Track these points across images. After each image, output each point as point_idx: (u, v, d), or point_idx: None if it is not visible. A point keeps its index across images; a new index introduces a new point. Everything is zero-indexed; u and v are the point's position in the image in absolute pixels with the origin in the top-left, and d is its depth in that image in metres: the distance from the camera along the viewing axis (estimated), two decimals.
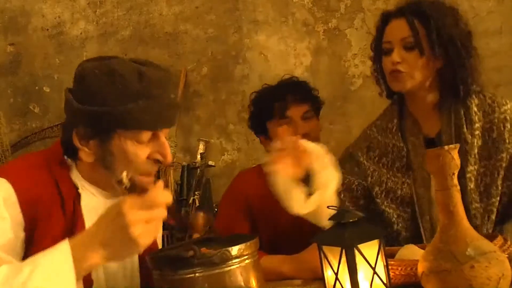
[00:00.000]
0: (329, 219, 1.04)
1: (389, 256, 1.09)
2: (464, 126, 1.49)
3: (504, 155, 1.47)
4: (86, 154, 1.16)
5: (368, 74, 2.60)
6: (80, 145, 1.15)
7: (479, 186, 1.47)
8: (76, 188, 1.19)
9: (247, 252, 1.05)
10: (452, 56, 1.47)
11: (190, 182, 2.57)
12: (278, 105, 1.73)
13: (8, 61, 3.13)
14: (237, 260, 1.04)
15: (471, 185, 1.46)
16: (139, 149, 1.14)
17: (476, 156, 1.48)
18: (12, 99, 3.13)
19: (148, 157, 1.16)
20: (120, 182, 0.94)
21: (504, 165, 1.47)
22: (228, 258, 1.03)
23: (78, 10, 3.03)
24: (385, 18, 1.56)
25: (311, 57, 2.70)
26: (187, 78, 2.83)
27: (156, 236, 0.98)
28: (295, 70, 2.71)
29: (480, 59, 1.53)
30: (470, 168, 1.47)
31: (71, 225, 1.15)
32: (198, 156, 2.67)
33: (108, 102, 1.10)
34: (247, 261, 1.06)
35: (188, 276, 1.02)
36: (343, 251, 0.99)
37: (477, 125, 1.49)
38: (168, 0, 2.90)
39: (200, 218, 1.18)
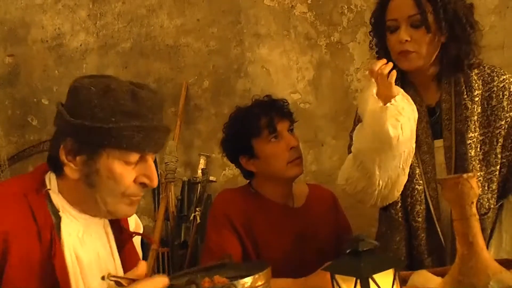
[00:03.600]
0: (344, 247, 1.02)
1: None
2: (465, 92, 1.52)
3: (503, 122, 1.51)
4: (71, 170, 1.14)
5: None
6: (66, 160, 1.14)
7: (479, 154, 1.49)
8: (54, 215, 1.16)
9: (259, 284, 1.02)
10: (457, 31, 1.49)
11: (190, 198, 2.53)
12: (266, 121, 1.73)
13: (6, 72, 3.11)
14: None
15: (472, 152, 1.48)
16: (126, 171, 1.14)
17: (476, 123, 1.50)
18: (10, 111, 3.10)
19: (134, 180, 1.16)
20: (103, 279, 0.93)
21: (502, 133, 1.51)
22: None
23: (78, 22, 3.01)
24: None
25: (313, 71, 2.68)
26: (188, 91, 2.81)
27: None
28: (297, 84, 2.69)
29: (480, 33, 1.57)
30: (471, 134, 1.49)
31: (48, 254, 1.13)
32: (199, 171, 2.63)
33: (100, 118, 1.10)
34: None
35: None
36: (358, 281, 0.96)
37: (477, 92, 1.52)
38: (169, 12, 2.87)
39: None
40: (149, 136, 1.13)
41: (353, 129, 1.64)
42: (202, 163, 2.66)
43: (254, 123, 1.74)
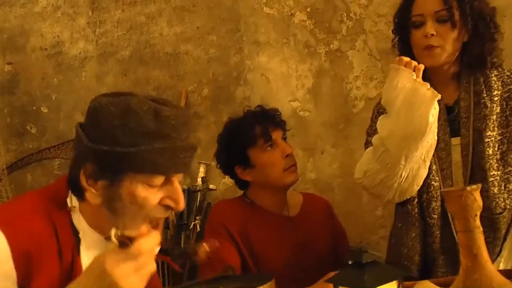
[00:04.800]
0: (347, 259, 1.02)
1: None
2: (484, 92, 1.52)
3: None
4: (92, 195, 1.09)
5: (370, 96, 2.63)
6: (87, 185, 1.08)
7: (496, 153, 1.50)
8: (75, 235, 1.13)
9: None
10: (482, 29, 1.51)
11: (190, 206, 2.52)
12: (260, 130, 1.74)
13: (5, 80, 3.10)
14: None
15: (489, 151, 1.49)
16: (150, 194, 1.08)
17: (495, 122, 1.51)
18: (9, 119, 3.09)
19: (159, 203, 1.10)
20: (108, 238, 0.90)
21: None
22: None
23: (77, 29, 3.01)
24: None
25: (312, 79, 2.68)
26: (188, 99, 2.80)
27: (147, 279, 0.94)
28: (297, 92, 2.69)
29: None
30: (489, 133, 1.50)
31: (68, 275, 1.09)
32: (199, 180, 2.62)
33: (121, 142, 1.04)
34: None
35: None
36: None
37: (496, 92, 1.53)
38: (169, 20, 2.88)
39: (202, 248, 1.14)
40: (174, 157, 1.07)
41: (371, 126, 1.66)
42: (202, 171, 2.66)
43: (249, 132, 1.75)
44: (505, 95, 1.53)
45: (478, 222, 0.94)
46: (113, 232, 0.90)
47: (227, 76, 2.79)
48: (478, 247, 0.93)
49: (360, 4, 2.59)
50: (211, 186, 2.63)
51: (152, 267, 0.94)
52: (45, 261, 1.08)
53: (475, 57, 1.54)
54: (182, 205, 1.12)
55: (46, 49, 3.05)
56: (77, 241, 1.13)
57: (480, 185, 0.95)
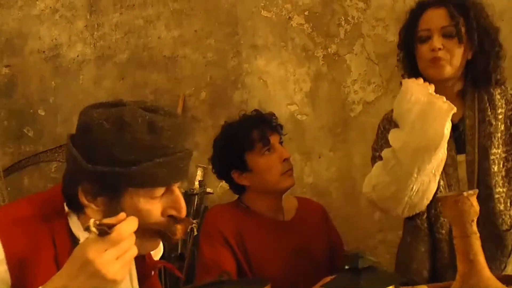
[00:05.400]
0: (343, 264, 1.01)
1: None
2: (488, 109, 1.55)
3: None
4: (93, 211, 1.06)
5: (368, 100, 2.63)
6: (87, 202, 1.06)
7: (501, 170, 1.52)
8: (72, 240, 1.11)
9: None
10: (487, 46, 1.55)
11: (188, 210, 2.48)
12: (258, 134, 1.74)
13: (3, 83, 3.09)
14: None
15: (495, 168, 1.51)
16: (152, 206, 1.07)
17: (500, 140, 1.53)
18: (6, 122, 3.08)
19: (161, 214, 1.09)
20: (88, 229, 0.90)
21: None
22: None
23: (75, 32, 3.00)
24: (422, 7, 1.61)
25: (310, 82, 2.68)
26: (185, 103, 2.80)
27: (130, 265, 0.95)
28: (295, 96, 2.69)
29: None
30: (494, 150, 1.52)
31: None
32: (196, 183, 2.62)
33: (118, 160, 1.02)
34: None
35: None
36: None
37: (500, 110, 1.56)
38: (167, 23, 2.88)
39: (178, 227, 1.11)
40: (173, 168, 1.06)
41: (376, 142, 1.69)
42: (199, 174, 2.65)
43: (246, 136, 1.76)
44: (509, 113, 1.56)
45: (474, 227, 0.94)
46: (91, 221, 0.90)
47: (225, 80, 2.78)
48: (475, 253, 0.93)
49: (358, 8, 2.59)
50: (208, 190, 2.63)
51: (133, 251, 0.94)
52: (41, 266, 1.07)
53: (480, 73, 1.57)
54: (184, 212, 1.12)
55: (44, 52, 3.04)
56: (74, 246, 1.09)
57: (476, 191, 0.95)
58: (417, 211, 1.55)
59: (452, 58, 1.54)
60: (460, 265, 0.94)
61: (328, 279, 1.27)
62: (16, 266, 1.05)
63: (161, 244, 1.33)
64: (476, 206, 0.93)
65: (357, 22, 2.60)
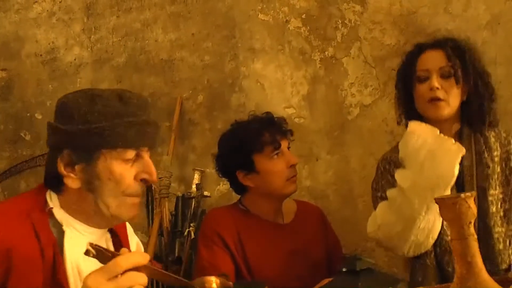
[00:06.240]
0: (341, 266, 1.01)
1: None
2: (485, 152, 1.59)
3: None
4: (72, 180, 1.16)
5: (365, 104, 2.63)
6: (65, 172, 1.16)
7: (499, 210, 1.56)
8: (55, 233, 1.17)
9: None
10: (481, 88, 1.61)
11: (185, 213, 2.51)
12: (269, 137, 1.74)
13: None
14: None
15: (493, 208, 1.55)
16: (125, 170, 1.16)
17: (497, 181, 1.57)
18: (2, 125, 3.08)
19: (134, 178, 1.18)
20: (87, 252, 0.93)
21: None
22: None
23: (72, 36, 3.00)
24: (420, 49, 1.68)
25: (307, 85, 2.68)
26: (183, 106, 2.80)
27: None
28: (292, 99, 2.69)
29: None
30: (492, 191, 1.56)
31: (51, 271, 1.13)
32: (194, 186, 2.61)
33: (91, 121, 1.14)
34: None
35: None
36: None
37: (496, 152, 1.60)
38: (164, 27, 2.88)
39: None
40: (142, 131, 1.17)
41: (377, 182, 1.72)
42: (196, 178, 2.65)
43: (257, 138, 1.75)
44: (504, 156, 1.61)
45: (472, 229, 0.94)
46: (88, 244, 0.94)
47: (222, 83, 2.78)
48: (473, 255, 0.93)
49: (355, 11, 2.60)
50: (205, 193, 2.62)
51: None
52: (25, 260, 1.10)
53: (475, 115, 1.62)
54: (155, 175, 1.20)
55: (40, 55, 3.04)
56: (60, 237, 1.17)
57: (474, 193, 0.95)
58: (423, 251, 1.58)
59: (450, 97, 1.59)
60: (458, 267, 0.95)
61: (326, 281, 1.27)
62: (1, 259, 1.09)
63: (140, 244, 1.40)
64: (473, 208, 0.93)
65: (354, 26, 2.60)
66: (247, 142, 1.77)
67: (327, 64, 2.65)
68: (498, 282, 1.00)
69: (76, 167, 1.16)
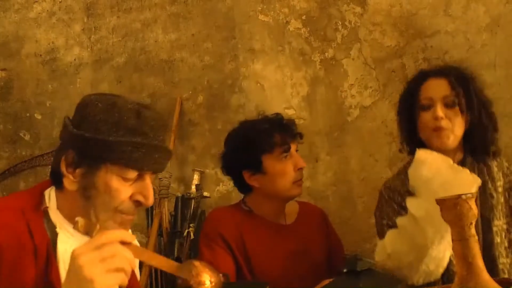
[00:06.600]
0: (342, 267, 1.01)
1: None
2: (489, 182, 1.58)
3: None
4: (70, 182, 1.15)
5: (365, 105, 2.63)
6: (66, 172, 1.15)
7: (504, 241, 1.55)
8: (49, 233, 1.17)
9: None
10: (484, 118, 1.59)
11: (184, 214, 2.51)
12: (279, 138, 1.73)
13: None
14: None
15: (498, 239, 1.53)
16: (122, 187, 1.15)
17: (501, 212, 1.56)
18: (2, 125, 3.07)
19: (130, 197, 1.16)
20: (75, 225, 0.96)
21: None
22: None
23: (72, 36, 3.00)
24: (423, 77, 1.65)
25: (307, 86, 2.68)
26: (182, 106, 2.80)
27: (120, 278, 0.94)
28: (292, 100, 2.69)
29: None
30: (497, 222, 1.55)
31: (44, 271, 1.13)
32: (193, 187, 2.61)
33: (102, 131, 1.12)
34: None
35: None
36: None
37: (499, 182, 1.59)
38: (164, 27, 2.88)
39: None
40: (149, 154, 1.14)
41: (380, 210, 1.69)
42: (196, 178, 2.64)
43: (267, 139, 1.74)
44: (507, 186, 1.61)
45: (473, 230, 0.94)
46: (78, 218, 0.97)
47: (222, 84, 2.78)
48: (474, 256, 0.93)
49: (355, 12, 2.60)
50: (205, 194, 2.62)
51: (121, 262, 0.94)
52: (17, 257, 1.10)
53: (478, 144, 1.61)
54: (151, 201, 1.18)
55: (40, 55, 3.04)
56: (54, 237, 1.16)
57: (475, 194, 0.95)
58: (432, 280, 1.55)
59: (454, 127, 1.57)
60: (458, 268, 0.95)
61: (327, 281, 1.27)
62: None
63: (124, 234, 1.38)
64: (474, 209, 0.93)
65: (354, 27, 2.60)
66: (256, 142, 1.75)
67: (327, 65, 2.65)
68: (499, 283, 1.00)
69: (77, 170, 1.15)
